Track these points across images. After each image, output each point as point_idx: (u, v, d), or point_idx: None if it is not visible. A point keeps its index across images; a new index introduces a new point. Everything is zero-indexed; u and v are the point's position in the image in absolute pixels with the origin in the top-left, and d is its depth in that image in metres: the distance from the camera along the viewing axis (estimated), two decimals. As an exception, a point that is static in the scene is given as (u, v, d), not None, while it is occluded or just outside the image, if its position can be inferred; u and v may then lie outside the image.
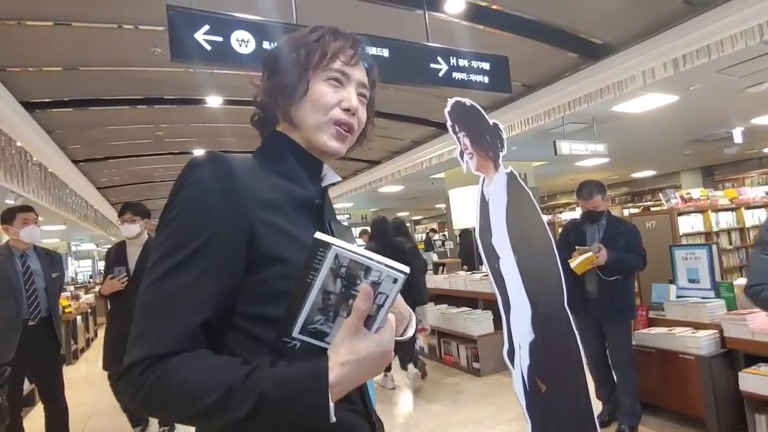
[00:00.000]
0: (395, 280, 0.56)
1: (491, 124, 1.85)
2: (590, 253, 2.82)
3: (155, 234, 0.67)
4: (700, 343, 2.85)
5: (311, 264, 0.56)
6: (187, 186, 0.65)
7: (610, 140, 6.56)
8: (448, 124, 1.68)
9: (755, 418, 2.59)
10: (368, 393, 0.77)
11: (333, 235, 0.70)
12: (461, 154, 1.68)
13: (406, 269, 0.56)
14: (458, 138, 1.68)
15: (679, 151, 9.18)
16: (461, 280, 5.38)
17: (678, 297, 3.34)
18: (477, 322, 4.70)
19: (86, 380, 5.98)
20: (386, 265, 0.56)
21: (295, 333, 0.59)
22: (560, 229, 3.44)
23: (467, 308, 5.06)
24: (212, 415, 0.56)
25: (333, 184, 0.84)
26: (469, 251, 8.10)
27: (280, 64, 0.78)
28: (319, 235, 0.55)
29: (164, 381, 0.57)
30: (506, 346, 1.47)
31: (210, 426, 0.59)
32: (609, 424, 3.04)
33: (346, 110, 0.78)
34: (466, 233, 8.38)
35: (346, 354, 0.58)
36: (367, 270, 0.56)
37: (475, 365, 4.66)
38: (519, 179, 1.84)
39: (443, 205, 10.49)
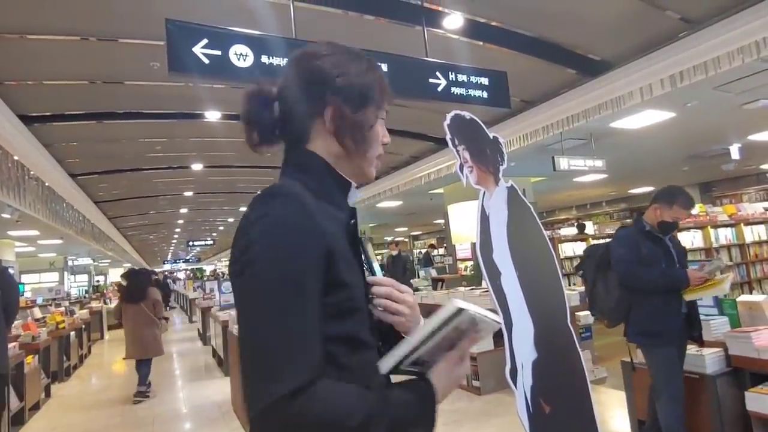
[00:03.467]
0: (493, 329, 0.76)
1: (491, 137, 1.83)
2: (730, 276, 2.51)
3: (234, 267, 0.71)
4: (705, 361, 2.79)
5: (444, 323, 0.71)
6: (271, 225, 0.69)
7: (609, 156, 6.57)
8: (448, 137, 1.66)
9: (763, 440, 2.51)
10: None
11: (365, 251, 0.85)
12: (461, 167, 1.65)
13: (501, 321, 0.78)
14: (458, 151, 1.65)
15: (677, 167, 9.22)
16: (461, 296, 5.31)
17: (681, 314, 3.28)
18: (477, 339, 4.62)
19: (78, 398, 5.84)
20: (494, 320, 0.74)
21: (403, 367, 0.73)
22: (614, 239, 2.77)
23: (467, 325, 4.98)
24: None
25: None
26: (395, 277, 8.17)
27: (361, 100, 0.84)
28: (458, 303, 0.70)
29: (312, 411, 0.63)
30: (508, 365, 1.42)
31: None
32: None
33: (384, 144, 0.89)
34: (397, 258, 8.42)
35: (447, 383, 0.75)
36: (481, 323, 0.74)
37: (475, 383, 4.57)
38: (519, 193, 1.81)
39: (442, 221, 10.47)
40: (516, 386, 1.39)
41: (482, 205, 1.64)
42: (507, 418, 3.76)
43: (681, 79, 4.21)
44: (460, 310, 0.71)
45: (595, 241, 8.81)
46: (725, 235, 6.89)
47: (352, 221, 0.84)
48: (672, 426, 2.55)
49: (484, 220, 1.61)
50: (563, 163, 6.04)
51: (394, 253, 8.59)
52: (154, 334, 5.42)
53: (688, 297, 2.58)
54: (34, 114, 4.84)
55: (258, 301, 0.66)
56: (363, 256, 0.83)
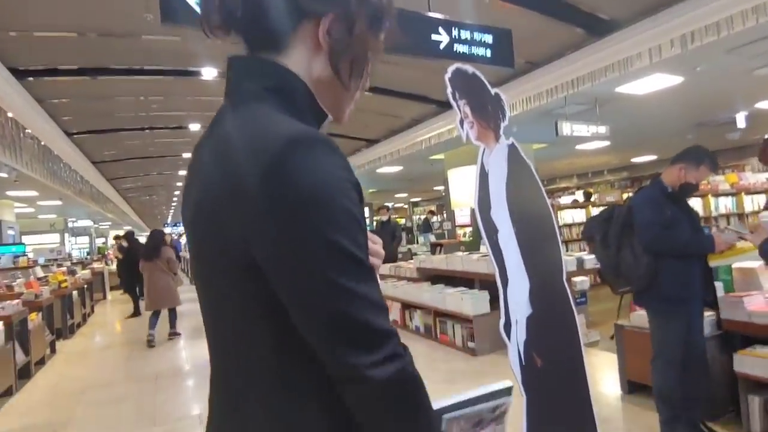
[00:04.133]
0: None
1: (493, 93, 1.78)
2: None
3: (279, 224, 0.58)
4: (697, 324, 2.83)
5: (496, 394, 0.80)
6: (331, 180, 0.59)
7: (612, 123, 6.47)
8: (448, 90, 1.61)
9: (748, 399, 2.59)
10: None
11: None
12: (461, 122, 1.61)
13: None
14: (458, 106, 1.61)
15: (682, 136, 9.09)
16: (458, 260, 5.35)
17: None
18: (473, 302, 4.69)
19: (82, 354, 6.00)
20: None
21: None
22: (636, 201, 2.63)
23: (464, 288, 5.05)
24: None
25: None
26: (385, 244, 7.66)
27: (374, 21, 0.69)
28: (510, 385, 0.84)
29: (413, 373, 0.62)
30: (502, 320, 1.44)
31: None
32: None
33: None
34: (386, 224, 7.72)
35: None
36: (505, 412, 0.85)
37: (471, 345, 4.67)
38: (520, 151, 1.78)
39: (442, 187, 10.43)
40: (509, 339, 1.41)
41: (481, 162, 1.61)
42: (501, 377, 3.85)
43: (692, 39, 4.07)
44: (510, 389, 0.83)
45: (595, 209, 8.81)
46: (725, 204, 6.89)
47: None
48: (669, 389, 2.55)
49: (483, 176, 1.58)
50: (566, 128, 5.95)
51: (384, 218, 7.81)
52: (169, 287, 6.17)
53: (715, 263, 2.53)
54: (23, 68, 4.67)
55: (335, 264, 0.57)
56: None
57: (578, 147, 9.35)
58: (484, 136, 1.65)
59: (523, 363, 1.41)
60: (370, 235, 0.79)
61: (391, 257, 7.27)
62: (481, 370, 4.17)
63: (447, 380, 3.93)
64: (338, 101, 0.72)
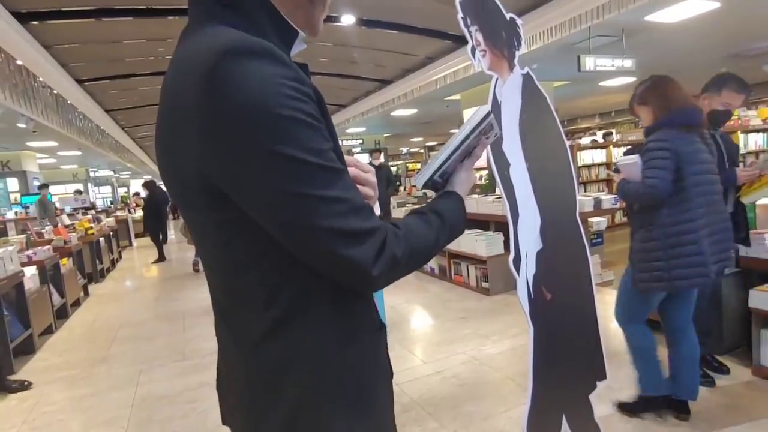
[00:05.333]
0: (496, 134, 0.88)
1: (508, 18, 1.67)
2: None
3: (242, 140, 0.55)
4: (714, 261, 2.79)
5: (477, 126, 0.81)
6: (259, 89, 0.55)
7: (640, 56, 6.10)
8: (459, 16, 1.51)
9: (760, 334, 2.60)
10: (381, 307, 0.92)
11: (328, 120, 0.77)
12: (473, 50, 1.52)
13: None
14: (470, 33, 1.51)
15: (714, 69, 8.51)
16: (473, 203, 5.33)
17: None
18: (487, 244, 4.72)
19: (114, 296, 6.32)
20: (499, 126, 0.87)
21: (435, 177, 0.81)
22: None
23: (478, 230, 5.06)
24: (437, 251, 0.74)
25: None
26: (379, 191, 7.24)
27: None
28: (487, 107, 0.84)
29: (407, 235, 0.67)
30: (512, 255, 1.43)
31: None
32: None
33: None
34: (378, 169, 7.00)
35: (466, 188, 0.84)
36: (491, 128, 0.85)
37: (484, 285, 4.75)
38: (536, 82, 1.69)
39: (458, 130, 10.18)
40: (518, 274, 1.41)
41: (494, 93, 1.54)
42: (513, 316, 3.95)
43: (732, -42, 3.71)
44: (489, 114, 0.82)
45: (617, 149, 8.55)
46: (755, 141, 6.60)
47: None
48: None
49: (496, 108, 1.52)
50: (589, 62, 5.65)
51: (376, 163, 7.24)
52: None
53: (746, 199, 2.48)
54: (25, 10, 4.53)
55: (287, 175, 0.55)
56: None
57: (602, 84, 8.92)
58: (497, 65, 1.56)
59: (532, 296, 1.42)
60: (360, 164, 0.79)
61: (384, 204, 7.01)
62: (494, 309, 4.26)
63: (461, 318, 4.04)
64: (311, 14, 0.69)
